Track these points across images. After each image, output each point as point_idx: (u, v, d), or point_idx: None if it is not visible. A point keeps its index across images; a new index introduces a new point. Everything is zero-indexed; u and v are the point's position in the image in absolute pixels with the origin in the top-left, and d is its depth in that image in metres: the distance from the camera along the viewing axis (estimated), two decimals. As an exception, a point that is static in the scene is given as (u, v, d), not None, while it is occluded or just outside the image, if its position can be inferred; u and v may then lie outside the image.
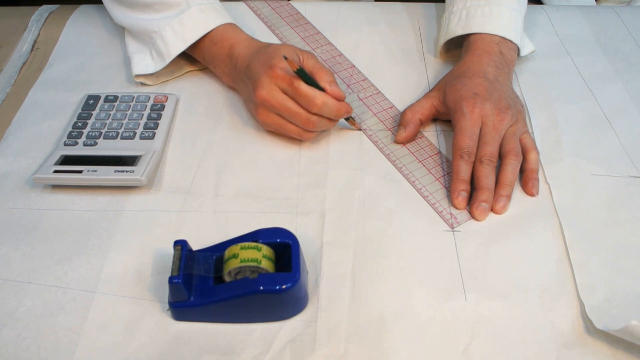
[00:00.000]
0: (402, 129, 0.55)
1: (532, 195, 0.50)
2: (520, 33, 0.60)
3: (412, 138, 0.55)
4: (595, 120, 0.58)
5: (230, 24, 0.58)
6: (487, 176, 0.49)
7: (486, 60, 0.56)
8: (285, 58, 0.49)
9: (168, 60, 0.58)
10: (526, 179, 0.51)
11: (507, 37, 0.58)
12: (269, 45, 0.55)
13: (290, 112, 0.51)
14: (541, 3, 0.81)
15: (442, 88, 0.56)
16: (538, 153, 0.52)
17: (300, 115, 0.51)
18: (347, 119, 0.55)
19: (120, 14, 0.62)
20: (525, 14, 0.62)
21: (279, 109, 0.51)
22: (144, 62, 0.60)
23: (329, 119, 0.52)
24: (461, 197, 0.49)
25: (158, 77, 0.61)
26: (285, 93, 0.51)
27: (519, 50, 0.60)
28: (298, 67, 0.49)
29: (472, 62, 0.57)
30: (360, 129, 0.56)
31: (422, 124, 0.56)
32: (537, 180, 0.51)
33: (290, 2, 0.72)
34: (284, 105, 0.51)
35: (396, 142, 0.55)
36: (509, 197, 0.49)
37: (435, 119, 0.58)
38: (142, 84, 0.61)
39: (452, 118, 0.53)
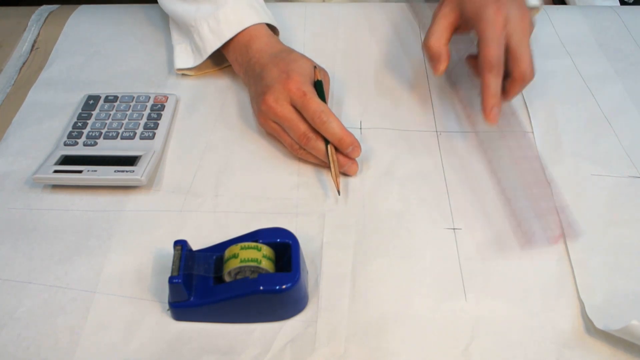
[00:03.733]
0: (436, 61, 0.52)
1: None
2: None
3: (446, 65, 0.53)
4: (595, 121, 0.57)
5: (263, 24, 0.58)
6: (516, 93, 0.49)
7: None
8: (315, 67, 0.50)
9: (205, 56, 0.58)
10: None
11: None
12: (290, 51, 0.55)
13: (290, 124, 0.50)
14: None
15: (455, 1, 0.52)
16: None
17: (299, 128, 0.50)
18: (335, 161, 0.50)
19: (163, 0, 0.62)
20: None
21: (280, 118, 0.50)
22: (185, 55, 0.60)
23: (324, 148, 0.49)
24: (494, 113, 0.48)
25: (200, 69, 0.61)
26: (293, 105, 0.50)
27: None
28: (320, 79, 0.50)
29: None
30: (339, 191, 0.49)
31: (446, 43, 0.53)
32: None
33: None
34: (287, 116, 0.50)
35: (436, 74, 0.53)
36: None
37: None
38: (184, 75, 0.62)
39: (476, 28, 0.50)
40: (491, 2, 0.49)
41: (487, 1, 0.49)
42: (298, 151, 0.52)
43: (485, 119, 0.48)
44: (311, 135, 0.50)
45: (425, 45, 0.53)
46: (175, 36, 0.62)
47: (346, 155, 0.50)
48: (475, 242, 0.46)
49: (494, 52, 0.47)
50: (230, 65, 0.62)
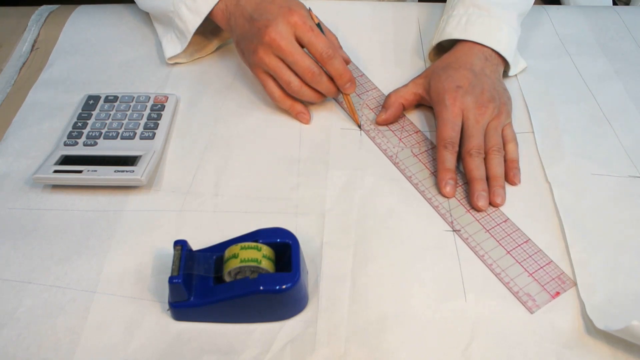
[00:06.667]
0: (384, 110, 0.57)
1: (514, 184, 0.51)
2: (514, 52, 0.60)
3: (392, 120, 0.57)
4: (595, 120, 0.57)
5: None
6: (478, 167, 0.50)
7: (476, 52, 0.57)
8: (309, 10, 0.52)
9: (189, 36, 0.58)
10: (507, 169, 0.52)
11: (501, 52, 0.58)
12: None
13: (294, 58, 0.51)
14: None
15: (428, 77, 0.57)
16: (517, 144, 0.54)
17: (304, 62, 0.51)
18: (347, 103, 0.56)
19: None
20: (523, 21, 0.62)
21: (284, 52, 0.51)
22: (172, 44, 0.61)
23: (329, 81, 0.53)
24: (449, 186, 0.50)
25: (191, 55, 0.63)
26: (297, 41, 0.51)
27: (509, 68, 0.61)
28: (318, 21, 0.51)
29: (461, 53, 0.58)
30: (360, 125, 0.56)
31: (405, 108, 0.58)
32: (518, 169, 0.52)
33: None
34: (291, 50, 0.51)
35: (376, 122, 0.57)
36: (503, 188, 0.50)
37: (420, 104, 0.59)
38: (177, 63, 0.63)
39: (435, 109, 0.55)
40: (451, 89, 0.53)
41: (448, 87, 0.54)
42: (299, 88, 0.53)
43: (440, 192, 0.50)
44: (316, 69, 0.52)
45: (387, 96, 0.58)
46: (160, 31, 0.63)
47: (340, 89, 0.54)
48: (475, 243, 0.46)
49: (448, 133, 0.51)
50: (222, 46, 0.64)
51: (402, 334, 0.41)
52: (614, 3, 0.80)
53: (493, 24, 0.58)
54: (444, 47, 0.61)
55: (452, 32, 0.59)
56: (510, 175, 0.51)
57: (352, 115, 0.56)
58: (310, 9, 0.54)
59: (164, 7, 0.59)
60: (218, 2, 0.57)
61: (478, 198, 0.49)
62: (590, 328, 0.41)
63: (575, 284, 0.44)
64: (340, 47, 0.58)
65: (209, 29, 0.63)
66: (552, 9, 0.73)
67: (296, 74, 0.53)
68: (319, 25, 0.53)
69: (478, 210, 0.49)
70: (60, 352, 0.40)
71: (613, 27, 0.70)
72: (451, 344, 0.40)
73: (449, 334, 0.41)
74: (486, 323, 0.41)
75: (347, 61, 0.55)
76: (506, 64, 0.60)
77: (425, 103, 0.58)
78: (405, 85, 0.58)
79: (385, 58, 0.65)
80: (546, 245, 0.46)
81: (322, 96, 0.55)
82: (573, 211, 0.49)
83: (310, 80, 0.52)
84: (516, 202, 0.50)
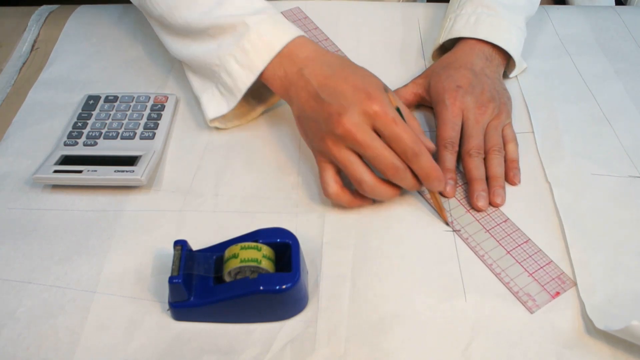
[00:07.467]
0: None
1: (514, 184, 0.51)
2: (520, 53, 0.60)
3: None
4: (595, 120, 0.57)
5: (296, 39, 0.49)
6: (478, 168, 0.50)
7: (477, 51, 0.57)
8: (388, 91, 0.45)
9: (239, 95, 0.50)
10: (507, 169, 0.52)
11: (510, 52, 0.58)
12: (351, 62, 0.48)
13: (374, 152, 0.43)
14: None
15: (428, 77, 0.57)
16: (517, 144, 0.54)
17: (386, 157, 0.43)
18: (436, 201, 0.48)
19: (176, 46, 0.55)
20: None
21: (362, 146, 0.43)
22: (215, 102, 0.53)
23: (413, 177, 0.45)
24: (449, 186, 0.50)
25: (231, 120, 0.55)
26: (375, 131, 0.44)
27: (509, 69, 0.61)
28: (397, 105, 0.45)
29: (461, 52, 0.57)
30: (449, 224, 0.48)
31: None
32: (518, 169, 0.52)
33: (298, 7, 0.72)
34: (369, 143, 0.43)
35: None
36: (503, 188, 0.50)
37: (420, 104, 0.59)
38: (216, 128, 0.55)
39: (435, 109, 0.55)
40: (451, 89, 0.53)
41: (448, 87, 0.53)
42: (369, 189, 0.45)
43: (441, 192, 0.50)
44: (401, 165, 0.44)
45: None
46: (197, 84, 0.54)
47: (426, 187, 0.47)
48: (475, 243, 0.46)
49: (448, 133, 0.51)
50: (268, 111, 0.57)
51: (402, 334, 0.41)
52: (618, 2, 0.80)
53: (502, 24, 0.58)
54: (446, 48, 0.61)
55: (461, 30, 0.59)
56: (510, 176, 0.51)
57: (440, 212, 0.48)
58: (389, 90, 0.46)
59: (207, 59, 0.51)
60: (276, 67, 0.49)
61: (478, 198, 0.49)
62: (590, 328, 0.41)
63: (575, 284, 0.44)
64: (423, 132, 0.49)
65: (251, 89, 0.51)
66: (552, 9, 0.73)
67: (369, 168, 0.45)
68: (398, 109, 0.45)
69: (478, 210, 0.49)
70: (60, 352, 0.40)
71: (613, 27, 0.70)
72: (451, 344, 0.40)
73: (449, 334, 0.41)
74: (486, 323, 0.41)
75: (430, 150, 0.46)
76: (506, 65, 0.60)
77: (426, 103, 0.58)
78: (405, 86, 0.58)
79: (386, 58, 0.65)
80: (546, 245, 0.46)
81: (400, 190, 0.47)
82: (573, 211, 0.49)
83: (393, 176, 0.45)
84: (516, 202, 0.50)
